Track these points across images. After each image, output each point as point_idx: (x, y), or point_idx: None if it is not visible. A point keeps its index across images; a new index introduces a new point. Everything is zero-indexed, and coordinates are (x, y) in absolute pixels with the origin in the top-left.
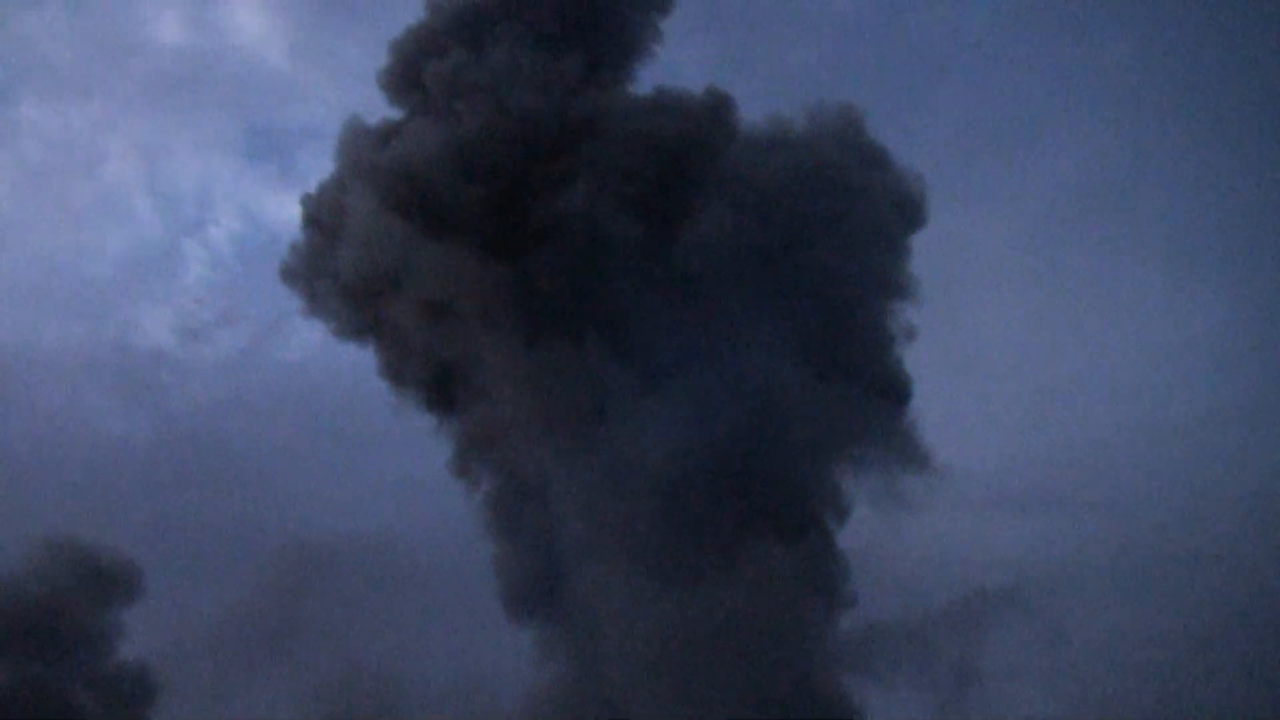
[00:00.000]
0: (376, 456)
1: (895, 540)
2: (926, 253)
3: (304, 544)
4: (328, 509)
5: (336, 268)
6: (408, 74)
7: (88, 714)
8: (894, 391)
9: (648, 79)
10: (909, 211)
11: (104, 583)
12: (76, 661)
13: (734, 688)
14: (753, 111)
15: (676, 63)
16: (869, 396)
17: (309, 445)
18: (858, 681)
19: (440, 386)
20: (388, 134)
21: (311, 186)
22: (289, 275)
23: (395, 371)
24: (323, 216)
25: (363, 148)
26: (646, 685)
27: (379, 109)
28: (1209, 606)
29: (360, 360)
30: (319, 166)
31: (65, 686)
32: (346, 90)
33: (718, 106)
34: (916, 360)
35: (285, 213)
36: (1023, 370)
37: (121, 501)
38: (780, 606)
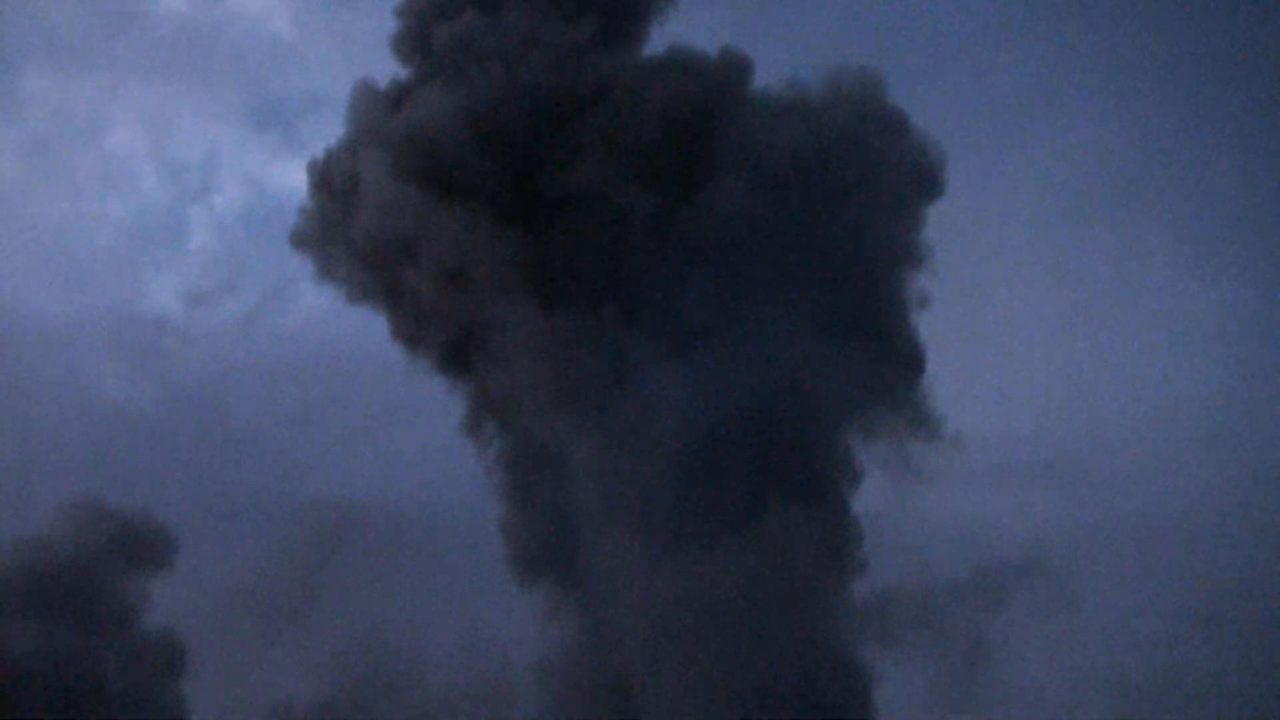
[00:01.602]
0: (383, 422)
1: (907, 509)
2: (942, 222)
3: (316, 510)
4: (336, 474)
5: (350, 233)
6: (418, 36)
7: (116, 683)
8: (908, 360)
9: (661, 42)
10: (927, 180)
11: (137, 548)
12: (105, 629)
13: (748, 654)
14: (769, 77)
15: (691, 27)
16: (883, 364)
17: (315, 411)
18: (870, 648)
19: (455, 351)
20: (399, 97)
21: (316, 154)
22: (299, 240)
23: (409, 336)
24: (333, 182)
25: (374, 112)
26: (660, 652)
27: (384, 76)
28: (1217, 580)
29: (366, 325)
30: (324, 134)
31: (95, 655)
32: (352, 58)
33: (733, 69)
34: (930, 330)
35: (290, 180)
36: (1035, 343)
37: (128, 469)
38: (795, 571)
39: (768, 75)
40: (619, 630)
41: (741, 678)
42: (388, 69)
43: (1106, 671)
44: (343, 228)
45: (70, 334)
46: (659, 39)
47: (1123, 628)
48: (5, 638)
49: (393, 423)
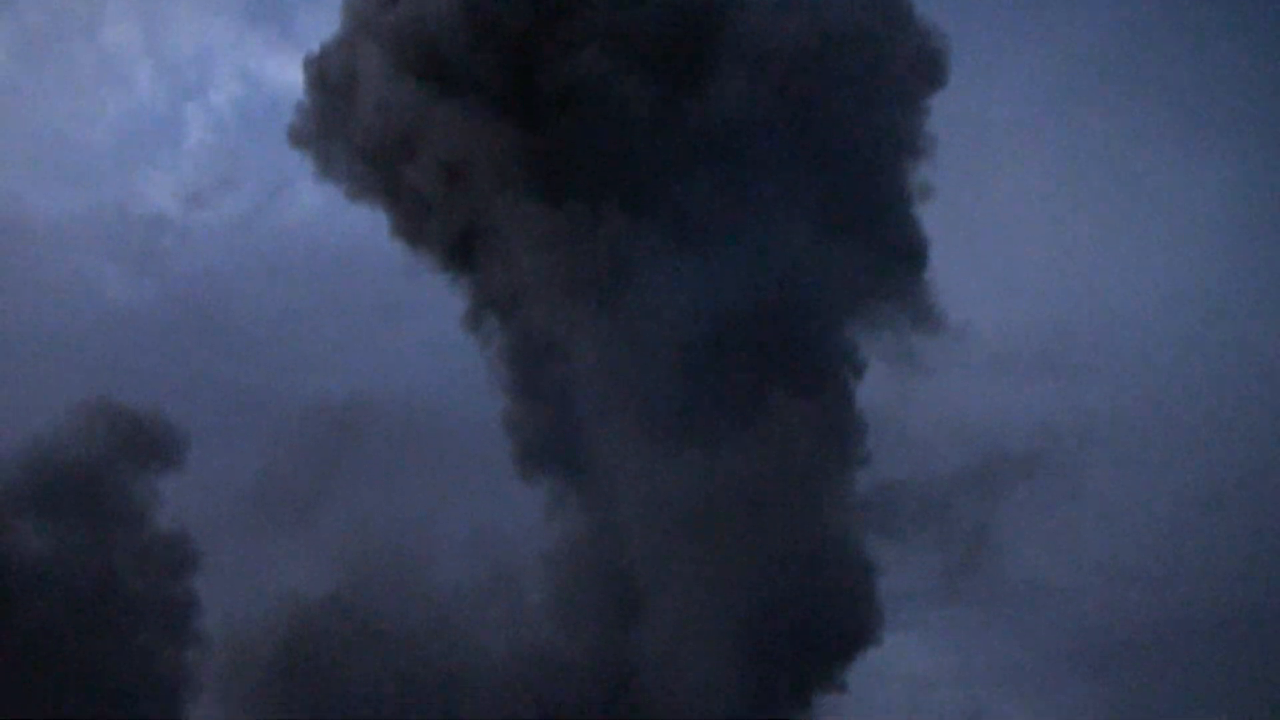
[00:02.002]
0: (384, 319)
1: (910, 402)
2: (944, 112)
3: (323, 407)
4: (339, 372)
5: (348, 129)
6: None
7: (129, 583)
8: (910, 251)
9: None
10: (930, 70)
11: (147, 447)
12: (116, 529)
13: (752, 546)
14: None
15: None
16: (885, 256)
17: (317, 309)
18: (873, 540)
19: (457, 247)
20: None
21: (312, 49)
22: (298, 137)
23: (410, 233)
24: (331, 77)
25: (370, 5)
26: (664, 545)
27: None
28: (1220, 466)
29: (367, 222)
30: (319, 28)
31: (107, 555)
32: None
33: None
34: (932, 221)
35: (286, 76)
36: (1039, 232)
37: (130, 369)
38: (798, 463)
39: None
40: (623, 523)
41: (745, 569)
42: None
43: (1106, 560)
44: (341, 124)
45: (68, 233)
46: None
47: (1124, 516)
48: (16, 538)
49: (394, 320)
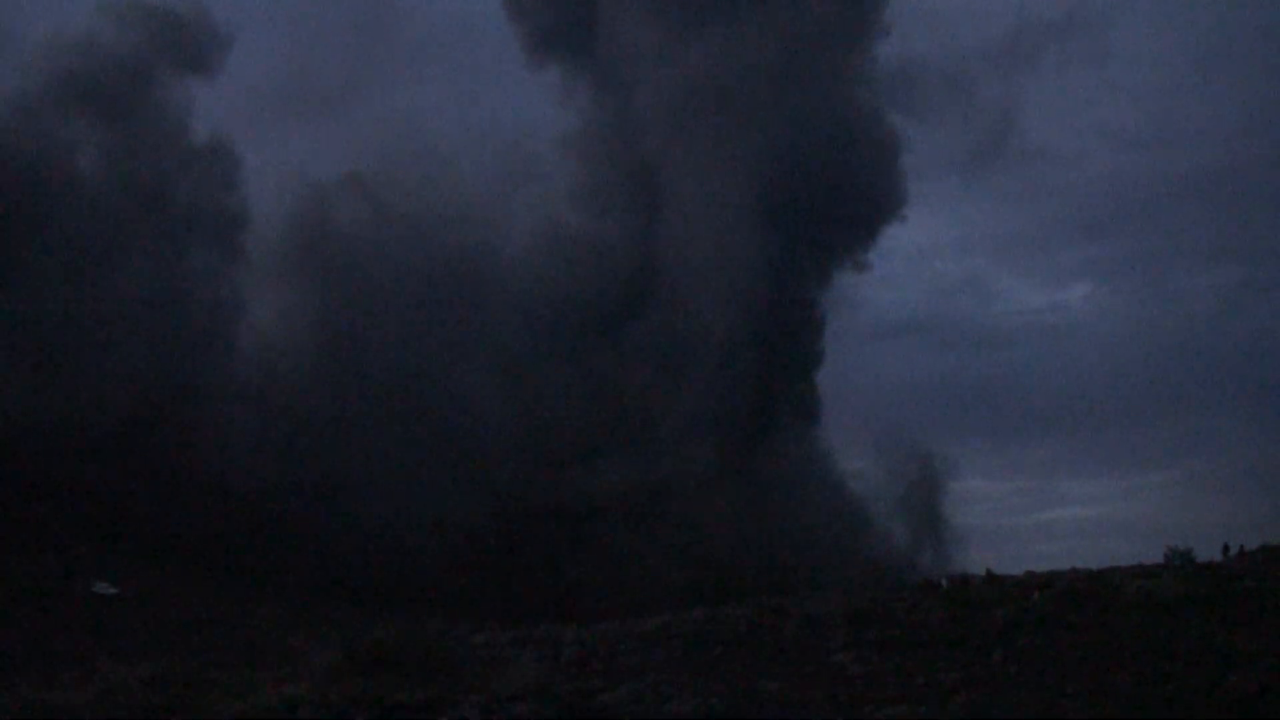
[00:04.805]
0: None
1: None
2: None
3: None
4: None
5: None
6: None
7: (180, 194)
8: None
9: None
10: None
11: (186, 47)
12: (159, 136)
13: (773, 122)
14: None
15: None
16: None
17: None
18: (898, 119)
19: None
20: None
21: None
22: None
23: None
24: None
25: None
26: (685, 125)
27: None
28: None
29: None
30: None
31: (154, 164)
32: None
33: None
34: None
35: None
36: None
37: None
38: (818, 32)
39: None
40: (640, 109)
41: (766, 145)
42: None
43: (1112, 125)
44: None
45: None
46: None
47: (1138, 80)
48: (60, 147)
49: None
